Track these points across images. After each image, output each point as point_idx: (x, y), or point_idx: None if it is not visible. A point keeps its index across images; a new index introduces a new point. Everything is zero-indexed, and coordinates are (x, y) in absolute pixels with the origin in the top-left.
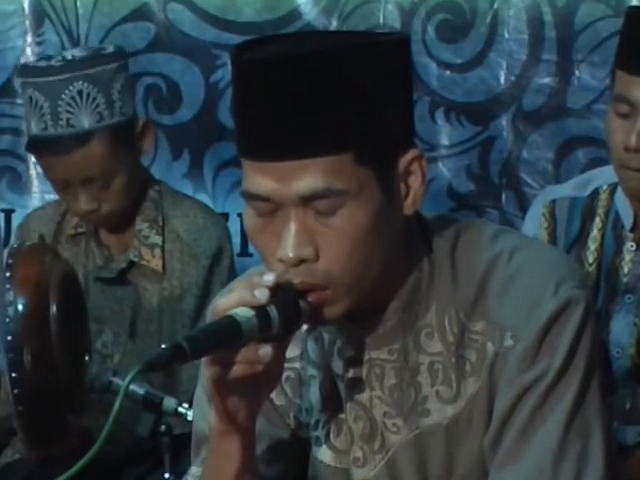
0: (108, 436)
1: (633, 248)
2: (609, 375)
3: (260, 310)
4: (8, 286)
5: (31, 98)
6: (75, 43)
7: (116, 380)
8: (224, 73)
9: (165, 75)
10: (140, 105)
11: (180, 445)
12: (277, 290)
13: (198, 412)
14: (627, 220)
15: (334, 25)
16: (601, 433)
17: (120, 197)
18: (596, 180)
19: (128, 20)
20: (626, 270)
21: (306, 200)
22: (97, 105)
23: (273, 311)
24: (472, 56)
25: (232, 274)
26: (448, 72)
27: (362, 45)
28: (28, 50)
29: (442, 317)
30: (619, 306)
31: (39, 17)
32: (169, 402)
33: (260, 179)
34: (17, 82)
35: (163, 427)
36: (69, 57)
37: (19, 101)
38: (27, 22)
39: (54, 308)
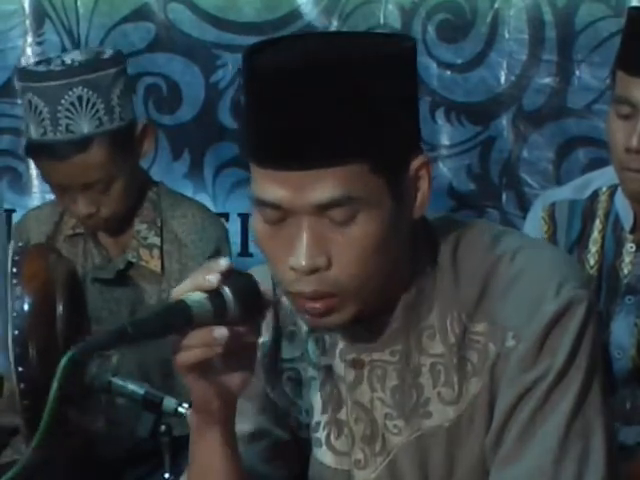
0: (48, 428)
1: (633, 249)
2: (609, 376)
3: (213, 293)
4: (15, 281)
5: (30, 103)
6: (75, 43)
7: (116, 380)
8: (224, 73)
9: (165, 75)
10: (140, 105)
11: (180, 445)
12: (233, 274)
13: None
14: (627, 222)
15: (334, 25)
16: (602, 433)
17: (119, 201)
18: (595, 182)
19: (128, 20)
20: (626, 271)
21: (321, 209)
22: (97, 111)
23: (228, 294)
24: (472, 56)
25: None
26: (448, 72)
27: (378, 53)
28: (28, 50)
29: (444, 318)
30: (619, 307)
31: (39, 17)
32: (169, 402)
33: (273, 187)
34: (16, 85)
35: (163, 427)
36: (68, 61)
37: (20, 101)
38: (27, 22)
39: (60, 305)
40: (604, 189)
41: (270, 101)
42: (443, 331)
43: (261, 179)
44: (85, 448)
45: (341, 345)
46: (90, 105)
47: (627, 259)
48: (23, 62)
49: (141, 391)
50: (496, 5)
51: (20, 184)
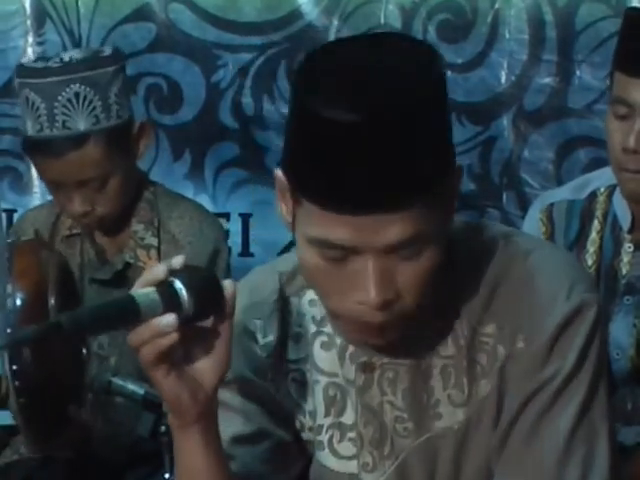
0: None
1: (631, 250)
2: (609, 376)
3: (163, 286)
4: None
5: (27, 99)
6: (76, 43)
7: (116, 380)
8: (225, 73)
9: (166, 75)
10: (141, 105)
11: None
12: (188, 269)
13: None
14: (625, 222)
15: (335, 25)
16: (607, 436)
17: (115, 200)
18: (593, 182)
19: (129, 20)
20: (624, 272)
21: (390, 249)
22: (94, 108)
23: (179, 286)
24: (473, 56)
25: (228, 276)
26: (449, 72)
27: (436, 84)
28: (29, 50)
29: (454, 319)
30: (618, 307)
31: (40, 17)
32: None
33: (338, 229)
34: (15, 82)
35: (163, 427)
36: (67, 59)
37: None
38: (28, 22)
39: (52, 300)
40: (602, 189)
41: (345, 151)
42: (454, 332)
43: (321, 220)
44: (84, 445)
45: (351, 349)
46: (87, 102)
47: (625, 259)
48: (20, 62)
49: (141, 391)
50: (496, 5)
51: (21, 184)
